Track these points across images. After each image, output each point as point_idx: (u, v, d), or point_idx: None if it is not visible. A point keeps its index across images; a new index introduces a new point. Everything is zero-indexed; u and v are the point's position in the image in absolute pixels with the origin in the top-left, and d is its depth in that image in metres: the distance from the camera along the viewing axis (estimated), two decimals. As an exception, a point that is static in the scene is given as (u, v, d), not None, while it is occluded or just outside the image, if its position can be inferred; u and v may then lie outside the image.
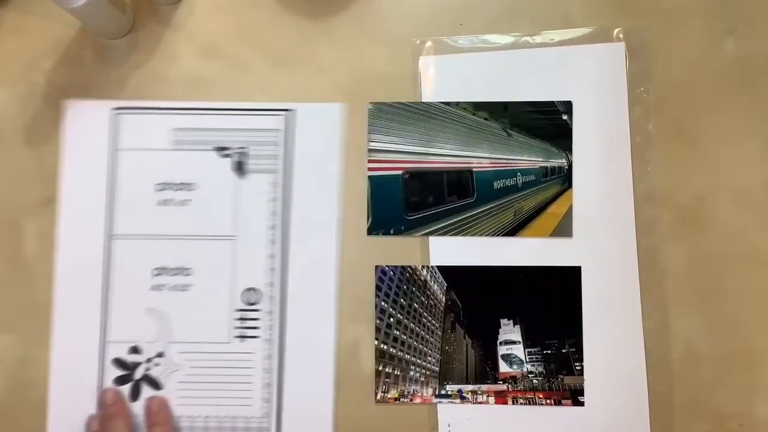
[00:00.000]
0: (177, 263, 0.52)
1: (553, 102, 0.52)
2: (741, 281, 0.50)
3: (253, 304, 0.51)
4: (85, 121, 0.53)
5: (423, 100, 0.52)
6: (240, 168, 0.52)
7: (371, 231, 0.51)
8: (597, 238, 0.51)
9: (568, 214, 0.51)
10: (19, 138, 0.53)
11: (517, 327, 0.51)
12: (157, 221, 0.52)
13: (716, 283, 0.50)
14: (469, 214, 0.51)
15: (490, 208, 0.51)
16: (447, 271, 0.51)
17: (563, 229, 0.51)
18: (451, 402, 0.50)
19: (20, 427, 0.51)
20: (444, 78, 0.52)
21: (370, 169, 0.52)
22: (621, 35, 0.52)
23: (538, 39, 0.52)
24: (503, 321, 0.51)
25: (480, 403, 0.50)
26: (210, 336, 0.51)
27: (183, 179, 0.52)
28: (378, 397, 0.50)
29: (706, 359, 0.50)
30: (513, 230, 0.51)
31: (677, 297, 0.50)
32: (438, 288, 0.51)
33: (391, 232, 0.51)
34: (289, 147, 0.52)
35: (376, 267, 0.51)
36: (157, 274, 0.52)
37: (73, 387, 0.51)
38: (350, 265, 0.52)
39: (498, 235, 0.51)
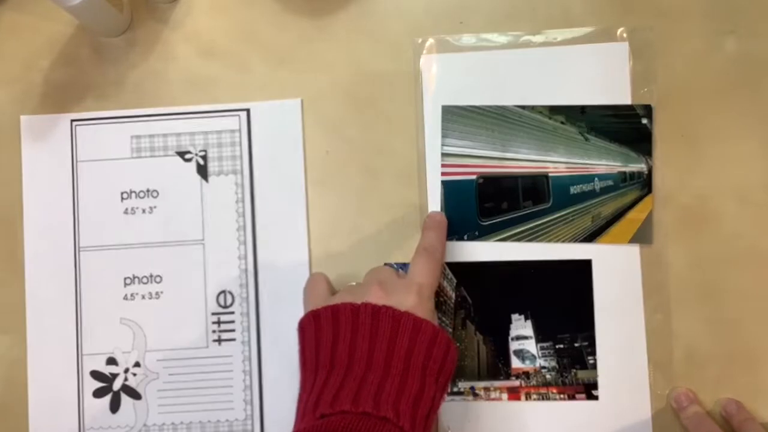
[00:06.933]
0: (147, 271, 0.52)
1: (632, 105, 0.51)
2: (743, 281, 0.50)
3: (227, 306, 0.51)
4: (45, 136, 0.53)
5: (424, 100, 0.52)
6: (203, 171, 0.52)
7: None
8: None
9: (648, 220, 0.50)
10: (18, 137, 0.53)
11: (529, 322, 0.50)
12: (124, 230, 0.52)
13: (718, 283, 0.50)
14: (545, 220, 0.51)
15: (567, 214, 0.51)
16: (456, 268, 0.51)
17: (643, 235, 0.50)
18: (464, 399, 0.50)
19: (19, 427, 0.50)
20: (446, 77, 0.52)
21: (443, 174, 0.51)
22: (624, 35, 0.51)
23: (540, 38, 0.52)
24: (514, 316, 0.50)
25: (493, 399, 0.50)
26: (187, 342, 0.51)
27: (147, 186, 0.52)
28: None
29: (708, 360, 0.49)
30: (590, 236, 0.50)
31: (679, 297, 0.50)
32: (447, 284, 0.51)
33: (465, 237, 0.51)
34: (250, 147, 0.52)
35: (385, 264, 0.51)
36: (128, 284, 0.51)
37: (52, 402, 0.51)
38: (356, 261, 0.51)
39: (575, 242, 0.50)
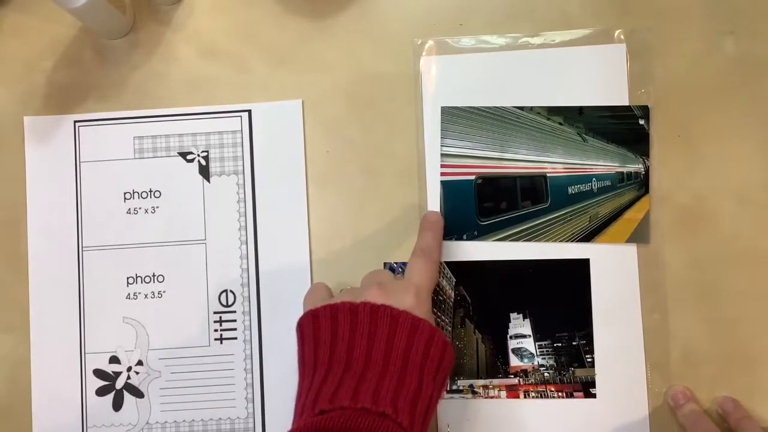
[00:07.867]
0: (149, 271, 0.52)
1: (629, 107, 0.51)
2: (740, 281, 0.50)
3: (228, 305, 0.52)
4: (48, 137, 0.53)
5: (424, 101, 0.52)
6: (205, 171, 0.53)
7: (444, 237, 0.51)
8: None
9: (645, 220, 0.51)
10: (21, 138, 0.53)
11: (527, 321, 0.51)
12: (126, 230, 0.52)
13: (715, 282, 0.50)
14: (543, 220, 0.51)
15: (565, 214, 0.51)
16: (455, 267, 0.51)
17: (640, 235, 0.50)
18: (463, 397, 0.50)
19: (23, 425, 0.51)
20: (445, 78, 0.52)
21: (442, 174, 0.52)
22: (622, 36, 0.52)
23: (538, 40, 0.52)
24: (513, 315, 0.51)
25: (492, 397, 0.50)
26: (189, 340, 0.52)
27: (149, 187, 0.53)
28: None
29: (705, 359, 0.50)
30: (588, 236, 0.51)
31: (676, 296, 0.50)
32: (447, 283, 0.51)
33: (464, 237, 0.51)
34: (251, 147, 0.53)
35: (384, 264, 0.51)
36: (131, 283, 0.52)
37: (55, 400, 0.51)
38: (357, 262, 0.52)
39: (573, 241, 0.51)
